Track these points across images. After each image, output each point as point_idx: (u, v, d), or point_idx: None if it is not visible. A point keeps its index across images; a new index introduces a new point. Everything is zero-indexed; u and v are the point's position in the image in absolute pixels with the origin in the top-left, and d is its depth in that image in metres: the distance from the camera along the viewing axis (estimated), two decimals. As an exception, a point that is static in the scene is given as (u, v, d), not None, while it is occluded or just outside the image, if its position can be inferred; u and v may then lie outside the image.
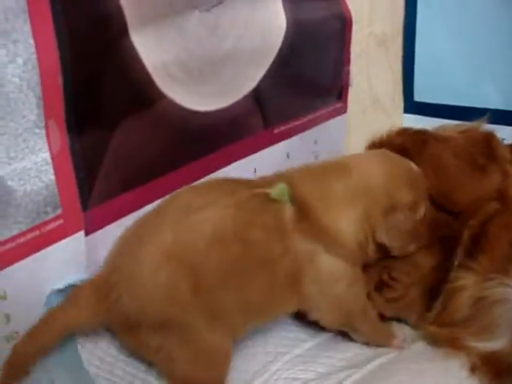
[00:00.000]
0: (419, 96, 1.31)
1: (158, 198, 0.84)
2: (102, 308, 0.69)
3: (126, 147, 0.79)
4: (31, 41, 0.64)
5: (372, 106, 1.31)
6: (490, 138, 0.92)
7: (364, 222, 0.75)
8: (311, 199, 0.74)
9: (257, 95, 0.99)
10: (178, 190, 0.76)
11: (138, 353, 0.74)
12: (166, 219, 0.70)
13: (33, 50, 0.64)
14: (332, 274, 0.75)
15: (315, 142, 1.15)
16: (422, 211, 0.78)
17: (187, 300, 0.68)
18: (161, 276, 0.67)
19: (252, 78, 0.98)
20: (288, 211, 0.73)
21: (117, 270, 0.69)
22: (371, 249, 0.77)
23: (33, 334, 0.68)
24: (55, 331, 0.68)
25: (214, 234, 0.69)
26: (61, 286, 0.75)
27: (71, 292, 0.71)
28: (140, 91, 0.80)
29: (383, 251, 0.78)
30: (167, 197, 0.76)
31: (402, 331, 0.77)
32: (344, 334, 0.86)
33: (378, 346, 0.82)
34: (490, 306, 0.78)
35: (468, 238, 0.83)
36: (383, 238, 0.75)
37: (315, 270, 0.74)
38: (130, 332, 0.70)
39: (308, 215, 0.73)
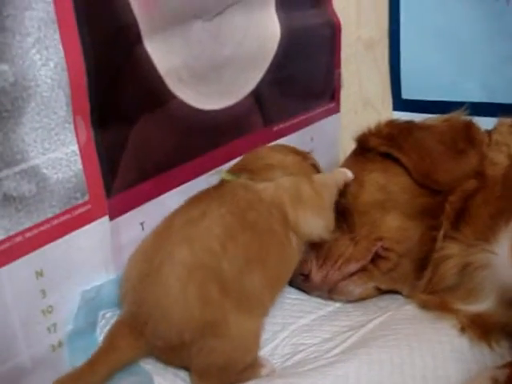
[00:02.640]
0: (406, 94, 1.38)
1: (173, 187, 0.93)
2: (141, 343, 0.74)
3: (142, 141, 0.87)
4: (60, 47, 0.72)
5: (363, 105, 1.39)
6: (469, 125, 1.01)
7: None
8: (252, 167, 0.90)
9: (256, 96, 1.08)
10: (167, 215, 0.83)
11: (180, 364, 0.79)
12: (175, 238, 0.77)
13: (62, 54, 0.72)
14: (293, 184, 0.86)
15: (311, 139, 1.23)
16: None
17: (219, 300, 0.74)
18: (190, 290, 0.72)
19: (251, 80, 1.06)
20: (243, 180, 0.86)
21: (144, 305, 0.74)
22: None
23: (79, 377, 0.73)
24: (102, 374, 0.73)
25: (225, 232, 0.77)
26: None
27: (107, 335, 0.77)
28: (154, 92, 0.88)
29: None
30: (161, 222, 0.83)
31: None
32: (346, 307, 0.96)
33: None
34: (474, 271, 0.86)
35: (451, 212, 0.91)
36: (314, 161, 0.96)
37: (283, 191, 0.85)
38: (172, 351, 0.76)
39: (256, 173, 0.88)
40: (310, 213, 0.86)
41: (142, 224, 0.90)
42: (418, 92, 1.36)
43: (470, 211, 0.90)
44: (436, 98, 1.32)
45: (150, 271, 0.75)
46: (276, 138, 1.14)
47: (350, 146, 1.10)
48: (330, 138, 1.31)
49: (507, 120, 1.00)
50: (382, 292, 0.98)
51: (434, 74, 1.32)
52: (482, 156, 0.95)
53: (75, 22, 0.74)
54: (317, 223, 0.87)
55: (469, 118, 1.03)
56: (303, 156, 0.96)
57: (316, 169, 0.96)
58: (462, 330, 0.85)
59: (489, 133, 1.01)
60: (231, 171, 0.91)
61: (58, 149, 0.75)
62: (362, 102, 1.39)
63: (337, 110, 1.31)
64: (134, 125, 0.86)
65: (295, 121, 1.20)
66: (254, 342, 0.80)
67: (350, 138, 1.09)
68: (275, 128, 1.15)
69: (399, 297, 0.97)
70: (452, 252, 0.88)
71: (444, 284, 0.89)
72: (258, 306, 0.81)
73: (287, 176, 0.88)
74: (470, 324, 0.85)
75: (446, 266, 0.89)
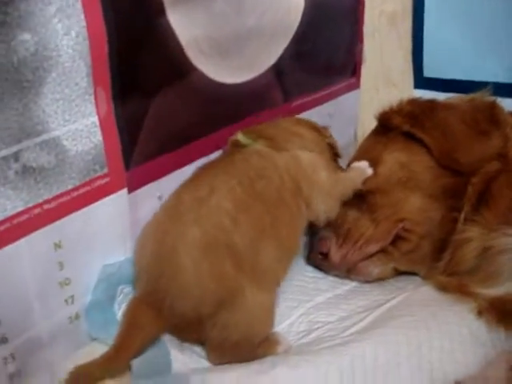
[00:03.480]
0: (428, 72, 1.36)
1: (191, 161, 0.93)
2: (160, 320, 0.74)
3: (162, 113, 0.86)
4: (82, 16, 0.70)
5: (384, 82, 1.37)
6: (493, 105, 0.99)
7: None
8: (270, 133, 0.89)
9: (277, 70, 1.06)
10: (175, 190, 0.82)
11: (196, 340, 0.79)
12: (186, 219, 0.76)
13: (84, 24, 0.71)
14: (311, 163, 0.87)
15: (330, 116, 1.22)
16: None
17: (234, 274, 0.74)
18: (204, 267, 0.72)
19: (273, 53, 1.05)
20: (260, 146, 0.86)
21: (160, 282, 0.73)
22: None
23: (107, 360, 0.72)
24: (129, 356, 0.73)
25: (236, 206, 0.77)
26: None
27: (126, 315, 0.76)
28: (175, 64, 0.86)
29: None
30: (169, 198, 0.82)
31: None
32: (363, 286, 0.96)
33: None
34: (494, 255, 0.85)
35: (473, 194, 0.90)
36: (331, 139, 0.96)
37: (301, 166, 0.85)
38: (189, 327, 0.76)
39: (274, 140, 0.88)
40: (318, 195, 0.86)
41: (159, 197, 0.89)
42: (440, 70, 1.34)
43: (492, 194, 0.89)
44: (458, 77, 1.31)
45: (164, 252, 0.74)
46: (295, 113, 1.13)
47: (370, 124, 1.09)
48: (349, 114, 1.30)
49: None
50: (399, 272, 0.97)
51: (457, 53, 1.30)
52: (506, 138, 0.94)
53: (97, -9, 0.72)
54: (319, 207, 0.87)
55: (492, 98, 1.00)
56: (321, 133, 0.95)
57: (332, 148, 0.95)
58: (480, 313, 0.84)
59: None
60: (247, 135, 0.90)
61: (78, 120, 0.74)
62: (384, 78, 1.37)
63: (357, 85, 1.30)
64: (154, 97, 0.85)
65: (315, 96, 1.19)
66: (269, 315, 0.80)
67: (370, 115, 1.07)
68: (294, 103, 1.14)
69: (416, 277, 0.96)
70: (472, 235, 0.87)
71: (463, 267, 0.88)
72: (273, 279, 0.81)
73: (305, 150, 0.88)
74: (488, 308, 0.84)
75: (466, 249, 0.88)
